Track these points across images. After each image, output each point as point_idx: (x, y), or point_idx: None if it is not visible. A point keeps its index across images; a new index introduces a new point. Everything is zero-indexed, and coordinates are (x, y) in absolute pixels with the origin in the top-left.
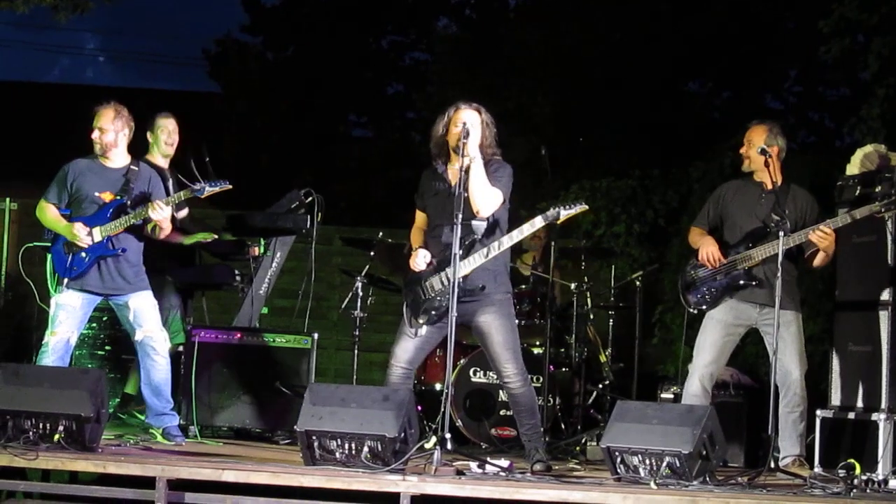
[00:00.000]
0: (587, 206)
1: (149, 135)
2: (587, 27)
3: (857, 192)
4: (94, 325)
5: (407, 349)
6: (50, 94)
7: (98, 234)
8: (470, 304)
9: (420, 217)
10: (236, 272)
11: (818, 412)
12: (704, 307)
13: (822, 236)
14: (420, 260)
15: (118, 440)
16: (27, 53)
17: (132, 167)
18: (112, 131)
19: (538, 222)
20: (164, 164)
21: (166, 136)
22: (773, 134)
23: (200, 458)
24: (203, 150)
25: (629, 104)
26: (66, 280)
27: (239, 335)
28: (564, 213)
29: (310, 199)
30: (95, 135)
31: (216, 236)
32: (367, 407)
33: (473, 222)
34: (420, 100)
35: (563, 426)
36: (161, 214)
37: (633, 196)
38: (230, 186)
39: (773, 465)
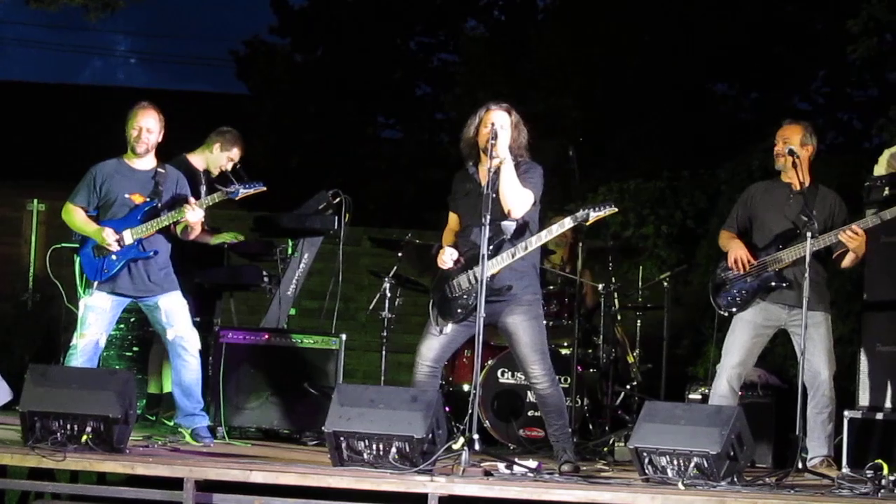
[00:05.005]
0: (616, 209)
1: (216, 146)
2: (615, 29)
3: (885, 192)
4: (123, 326)
5: (432, 348)
6: (81, 96)
7: (129, 236)
8: (497, 304)
9: (453, 219)
10: (264, 273)
11: (846, 413)
12: (735, 310)
13: (851, 237)
14: (447, 257)
15: (146, 441)
16: (59, 55)
17: (159, 169)
18: (157, 132)
19: (567, 223)
20: (201, 166)
21: (230, 164)
22: (808, 133)
23: (228, 459)
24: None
25: (658, 106)
26: (95, 282)
27: (267, 336)
28: (594, 215)
29: (338, 199)
30: (138, 133)
31: (242, 237)
32: (395, 408)
33: (503, 223)
34: (448, 101)
35: (591, 427)
36: (196, 216)
37: (662, 197)
38: (264, 189)
39: (800, 465)
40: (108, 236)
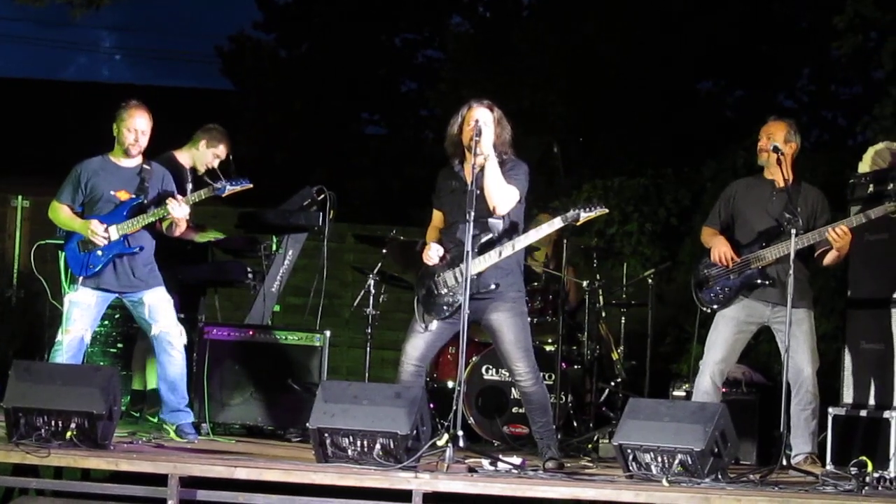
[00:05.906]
0: (607, 210)
1: (202, 143)
2: (601, 26)
3: (869, 189)
4: (107, 322)
5: (417, 346)
6: (66, 92)
7: (115, 232)
8: (482, 302)
9: (437, 216)
10: (248, 269)
11: (830, 410)
12: (717, 306)
13: (840, 236)
14: (433, 253)
15: (130, 437)
16: (44, 51)
17: (145, 166)
18: (149, 133)
19: (557, 223)
20: (188, 163)
21: (216, 161)
22: (792, 131)
23: (213, 456)
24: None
25: (642, 103)
26: (81, 278)
27: (251, 332)
28: (584, 216)
29: (322, 196)
30: (134, 138)
31: (223, 235)
32: (379, 404)
33: (490, 220)
34: (433, 98)
35: (575, 424)
36: (181, 212)
37: (646, 195)
38: (251, 185)
39: (784, 462)
40: (96, 227)
